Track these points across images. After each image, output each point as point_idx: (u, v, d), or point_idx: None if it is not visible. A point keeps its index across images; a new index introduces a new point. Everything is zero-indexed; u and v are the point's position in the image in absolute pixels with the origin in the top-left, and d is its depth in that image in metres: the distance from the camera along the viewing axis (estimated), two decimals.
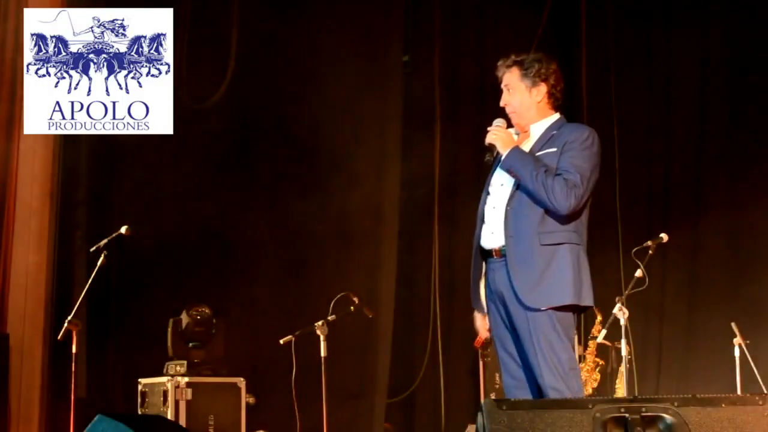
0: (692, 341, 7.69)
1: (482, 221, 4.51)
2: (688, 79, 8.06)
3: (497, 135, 4.47)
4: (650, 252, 6.16)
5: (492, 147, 4.47)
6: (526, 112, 4.50)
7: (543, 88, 4.50)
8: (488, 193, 4.53)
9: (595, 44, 8.32)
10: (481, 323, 4.60)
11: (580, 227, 4.43)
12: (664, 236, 6.31)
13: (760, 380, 6.56)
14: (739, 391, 6.45)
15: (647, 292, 6.25)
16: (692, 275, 7.80)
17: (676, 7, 8.12)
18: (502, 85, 4.55)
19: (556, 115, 4.54)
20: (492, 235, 4.44)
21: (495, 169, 4.54)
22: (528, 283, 4.31)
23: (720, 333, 6.84)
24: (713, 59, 7.97)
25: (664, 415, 3.43)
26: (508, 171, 4.40)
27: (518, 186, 4.39)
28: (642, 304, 7.33)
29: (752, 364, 6.50)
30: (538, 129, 4.51)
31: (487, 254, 4.47)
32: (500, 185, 4.48)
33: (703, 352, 7.50)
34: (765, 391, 6.55)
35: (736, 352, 6.53)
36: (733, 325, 6.56)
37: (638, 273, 6.07)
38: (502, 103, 4.55)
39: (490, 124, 4.54)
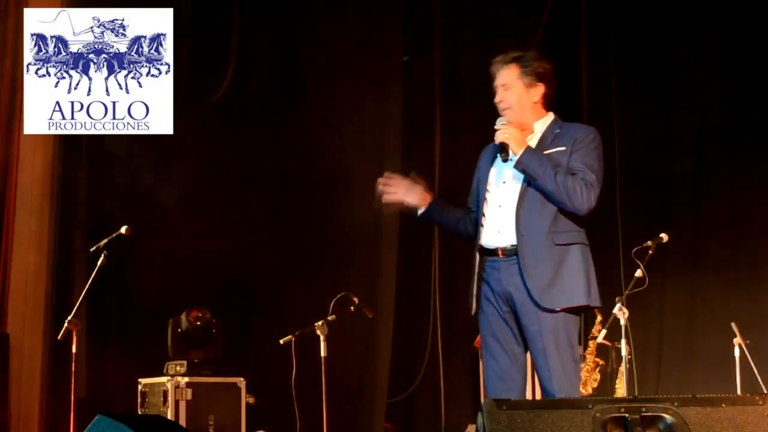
0: (692, 341, 7.69)
1: (481, 219, 4.47)
2: (688, 80, 8.06)
3: (510, 134, 4.39)
4: (650, 252, 6.16)
5: (505, 146, 4.39)
6: (521, 111, 4.46)
7: (540, 89, 4.48)
8: (487, 191, 4.49)
9: (595, 44, 8.32)
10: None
11: (585, 227, 4.45)
12: (664, 236, 6.31)
13: (760, 380, 6.56)
14: (739, 391, 6.44)
15: (647, 292, 6.25)
16: (692, 275, 7.79)
17: (676, 7, 8.11)
18: (498, 83, 4.49)
19: (551, 115, 4.53)
20: (498, 234, 4.41)
21: (491, 167, 4.51)
22: (541, 284, 4.30)
23: (720, 333, 6.84)
24: (713, 59, 7.97)
25: (664, 415, 3.43)
26: (524, 171, 4.35)
27: (528, 184, 4.36)
28: (642, 304, 7.32)
29: (752, 364, 6.50)
30: (540, 126, 4.49)
31: (488, 253, 4.44)
32: (502, 183, 4.45)
33: (703, 352, 7.50)
34: (765, 391, 6.54)
35: (736, 352, 6.53)
36: (733, 325, 6.56)
37: (638, 273, 6.06)
38: (497, 100, 4.49)
39: (494, 123, 4.52)
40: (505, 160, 4.39)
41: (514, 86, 4.45)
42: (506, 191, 4.44)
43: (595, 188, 4.35)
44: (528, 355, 4.48)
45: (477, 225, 4.52)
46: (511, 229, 4.37)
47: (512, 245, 4.37)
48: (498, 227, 4.42)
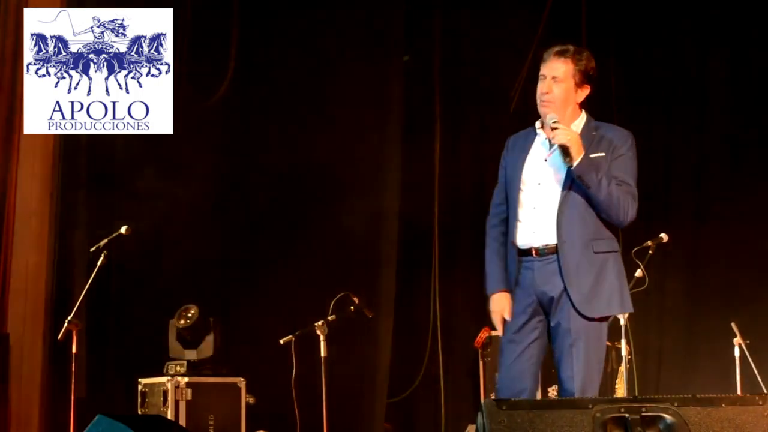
0: (692, 341, 7.69)
1: (514, 219, 4.43)
2: (688, 80, 8.05)
3: (572, 136, 4.31)
4: (650, 252, 6.16)
5: (566, 148, 4.28)
6: (563, 109, 4.39)
7: (586, 90, 4.44)
8: (520, 190, 4.43)
9: (595, 44, 8.30)
10: (506, 303, 4.43)
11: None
12: (664, 236, 6.32)
13: (760, 380, 6.56)
14: (739, 391, 6.45)
15: (647, 292, 6.25)
16: (692, 275, 7.80)
17: (676, 7, 8.11)
18: (549, 74, 4.39)
19: (584, 114, 4.48)
20: (533, 234, 4.38)
21: (524, 164, 4.43)
22: (583, 293, 4.30)
23: (720, 333, 6.84)
24: (714, 59, 7.97)
25: (664, 415, 3.43)
26: (579, 178, 4.28)
27: (569, 189, 4.32)
28: (642, 304, 7.30)
29: (752, 364, 6.50)
30: (576, 127, 4.42)
31: (522, 253, 4.41)
32: (537, 184, 4.40)
33: (703, 352, 7.50)
34: (765, 391, 6.54)
35: (736, 352, 6.53)
36: (733, 325, 6.56)
37: (638, 273, 6.07)
38: (544, 90, 4.39)
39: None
40: (570, 165, 4.28)
41: (566, 82, 4.39)
42: (542, 193, 4.39)
43: (636, 201, 4.36)
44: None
45: (508, 223, 4.48)
46: (545, 230, 4.34)
47: (545, 245, 4.34)
48: (532, 228, 4.38)
